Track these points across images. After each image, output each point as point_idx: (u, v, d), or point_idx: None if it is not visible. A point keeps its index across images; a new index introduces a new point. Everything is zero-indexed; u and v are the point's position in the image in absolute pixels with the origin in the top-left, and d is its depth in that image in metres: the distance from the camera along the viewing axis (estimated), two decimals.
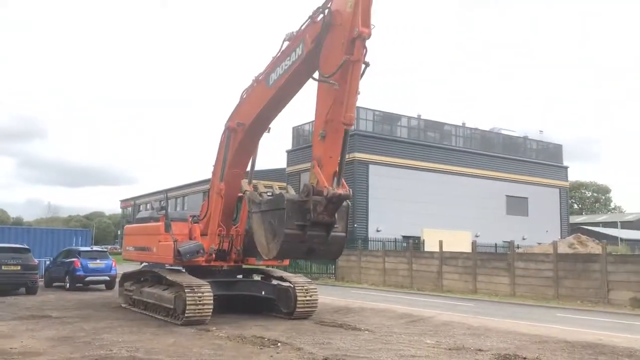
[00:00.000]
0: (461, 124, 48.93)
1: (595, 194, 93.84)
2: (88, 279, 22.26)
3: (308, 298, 14.18)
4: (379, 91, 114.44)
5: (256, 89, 13.22)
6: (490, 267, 24.38)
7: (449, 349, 10.37)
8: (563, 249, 26.65)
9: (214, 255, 14.15)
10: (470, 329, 13.16)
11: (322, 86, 10.42)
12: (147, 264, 16.55)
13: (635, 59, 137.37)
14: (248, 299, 15.10)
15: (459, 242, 33.28)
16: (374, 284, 28.95)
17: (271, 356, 9.33)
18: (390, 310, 17.04)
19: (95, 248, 27.01)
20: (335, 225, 10.52)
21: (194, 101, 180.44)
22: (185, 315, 12.53)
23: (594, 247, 27.72)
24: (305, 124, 45.81)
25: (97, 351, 9.54)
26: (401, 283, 27.88)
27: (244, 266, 15.32)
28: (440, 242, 26.71)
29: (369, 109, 42.72)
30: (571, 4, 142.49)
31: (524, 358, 9.53)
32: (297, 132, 47.21)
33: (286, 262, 15.38)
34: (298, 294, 14.03)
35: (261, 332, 11.83)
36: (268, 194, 12.21)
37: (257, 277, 15.74)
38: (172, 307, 13.25)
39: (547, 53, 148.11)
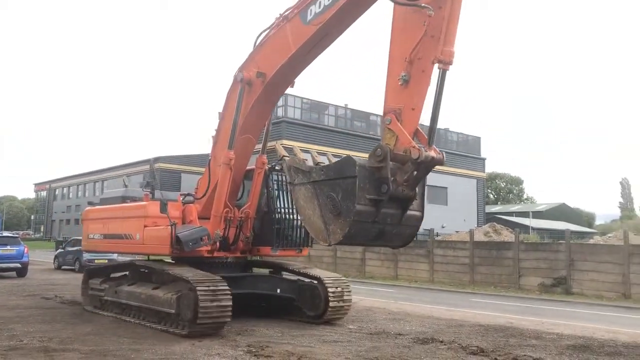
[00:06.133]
0: None
1: (509, 185, 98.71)
2: None
3: (341, 297, 11.67)
4: (307, 79, 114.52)
5: (285, 28, 9.94)
6: (411, 254, 25.15)
7: (370, 334, 10.63)
8: (479, 237, 27.95)
9: (218, 244, 11.20)
10: (391, 314, 13.56)
11: (402, 14, 7.72)
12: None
13: (557, 52, 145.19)
14: (257, 298, 12.28)
15: None
16: None
17: (193, 344, 9.19)
18: None
19: (5, 234, 25.71)
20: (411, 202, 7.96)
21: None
22: (198, 322, 9.69)
23: (508, 236, 29.25)
24: None
25: (6, 342, 9.04)
26: (326, 269, 28.12)
27: (252, 258, 12.64)
28: None
29: (297, 97, 42.68)
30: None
31: (441, 341, 9.91)
32: None
33: (305, 252, 12.55)
34: (329, 293, 11.44)
35: None
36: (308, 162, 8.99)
37: (268, 272, 13.09)
38: (172, 311, 10.27)
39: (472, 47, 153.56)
